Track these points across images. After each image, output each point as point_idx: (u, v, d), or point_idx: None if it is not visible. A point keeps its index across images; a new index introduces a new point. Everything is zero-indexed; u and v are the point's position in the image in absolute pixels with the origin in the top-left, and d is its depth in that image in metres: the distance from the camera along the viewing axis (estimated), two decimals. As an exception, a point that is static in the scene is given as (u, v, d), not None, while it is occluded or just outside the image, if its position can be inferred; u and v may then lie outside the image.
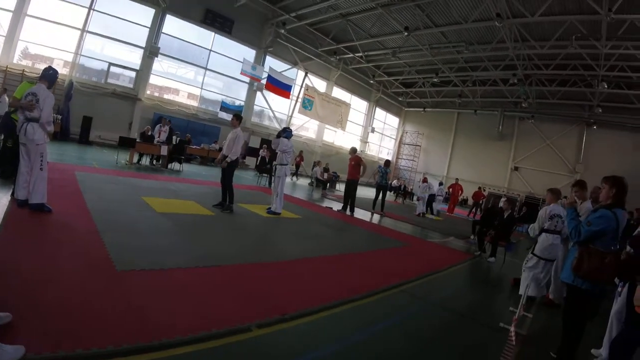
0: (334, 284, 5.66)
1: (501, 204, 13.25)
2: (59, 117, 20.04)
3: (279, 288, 5.06)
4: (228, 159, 9.61)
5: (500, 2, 19.10)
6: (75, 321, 3.22)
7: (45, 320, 3.11)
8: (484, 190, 28.16)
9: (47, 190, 6.41)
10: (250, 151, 27.05)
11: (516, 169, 35.29)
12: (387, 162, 17.92)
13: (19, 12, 19.91)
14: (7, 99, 13.08)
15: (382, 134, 44.52)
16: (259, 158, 23.61)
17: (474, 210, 24.91)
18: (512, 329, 5.03)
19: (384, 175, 16.68)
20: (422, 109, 41.81)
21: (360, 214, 14.73)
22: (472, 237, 13.16)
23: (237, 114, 10.16)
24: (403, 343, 4.19)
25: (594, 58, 22.21)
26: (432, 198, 20.33)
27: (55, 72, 6.90)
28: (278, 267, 5.97)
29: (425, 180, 20.70)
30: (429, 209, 20.32)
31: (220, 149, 20.73)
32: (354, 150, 15.35)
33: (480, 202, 25.55)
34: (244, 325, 3.75)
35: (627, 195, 4.23)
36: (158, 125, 18.28)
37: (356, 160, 14.56)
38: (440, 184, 23.09)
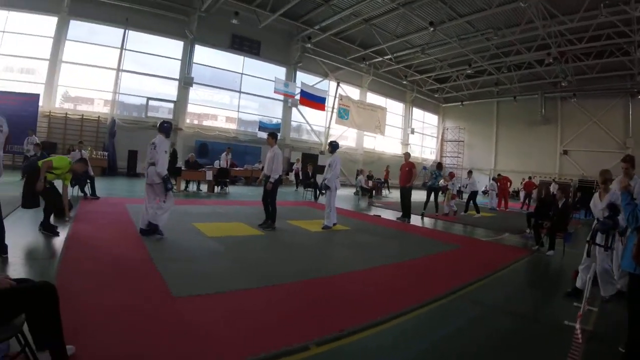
0: (390, 294, 5.56)
1: (554, 192, 12.76)
2: (105, 153, 20.90)
3: (335, 303, 5.02)
4: (271, 179, 9.63)
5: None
6: (135, 348, 3.33)
7: (106, 349, 3.24)
8: (534, 179, 27.32)
9: (101, 221, 6.64)
10: (291, 167, 27.29)
11: (565, 152, 33.96)
12: (440, 165, 17.71)
13: (55, 59, 21.21)
14: (84, 152, 13.63)
15: (422, 133, 43.89)
16: (300, 173, 23.84)
17: (526, 201, 24.21)
18: (577, 325, 4.75)
19: (437, 178, 16.47)
20: (459, 103, 40.92)
21: (411, 219, 14.29)
22: (527, 231, 12.50)
23: (272, 133, 10.23)
24: (466, 351, 4.05)
25: (627, 24, 21.21)
26: (473, 195, 18.98)
27: (170, 124, 8.23)
28: (332, 281, 5.93)
29: (452, 176, 19.60)
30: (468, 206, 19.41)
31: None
32: (408, 155, 14.95)
33: (532, 192, 24.74)
34: (303, 343, 3.73)
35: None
36: (224, 154, 19.97)
37: (410, 165, 14.19)
38: (494, 179, 22.51)
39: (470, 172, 20.22)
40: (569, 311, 5.43)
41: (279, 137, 11.73)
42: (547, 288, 7.19)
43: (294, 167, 24.43)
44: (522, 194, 26.44)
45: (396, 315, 4.72)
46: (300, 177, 23.82)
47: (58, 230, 7.23)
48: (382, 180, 27.03)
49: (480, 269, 7.53)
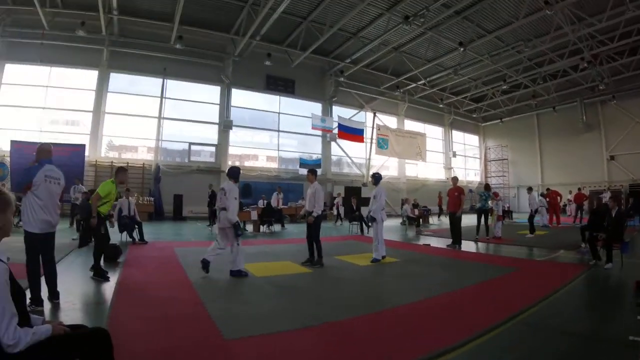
0: (448, 325, 5.31)
1: (606, 202, 12.18)
2: (151, 198, 21.51)
3: (391, 338, 4.82)
4: (314, 214, 9.57)
5: (544, -12, 18.66)
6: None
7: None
8: (584, 190, 26.38)
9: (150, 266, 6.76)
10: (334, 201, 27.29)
11: (612, 158, 32.76)
12: (487, 186, 17.25)
13: (98, 111, 22.50)
14: (130, 199, 13.90)
15: (464, 155, 43.29)
16: (339, 207, 23.75)
17: (578, 214, 23.37)
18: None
19: (486, 199, 16.08)
20: (499, 121, 40.42)
21: (463, 245, 13.69)
22: (583, 245, 11.79)
23: (312, 169, 10.27)
24: None
25: None
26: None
27: (238, 168, 8.75)
28: (385, 315, 5.72)
29: (497, 196, 18.00)
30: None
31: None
32: (456, 179, 14.48)
33: (583, 204, 23.78)
34: None
35: None
36: (275, 193, 20.41)
37: (459, 190, 13.78)
38: (542, 194, 21.78)
39: (530, 189, 19.34)
40: (633, 325, 5.12)
41: (319, 173, 11.79)
42: (608, 303, 6.81)
43: (335, 201, 24.36)
44: (572, 207, 25.54)
45: (455, 346, 4.49)
46: (339, 211, 23.78)
47: (108, 275, 7.40)
48: (429, 208, 26.54)
49: (539, 290, 7.16)
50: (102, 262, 7.58)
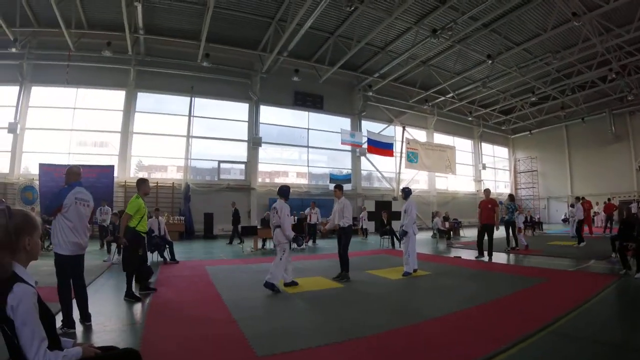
0: (480, 336, 5.25)
1: (634, 211, 11.92)
2: (182, 218, 21.56)
3: (424, 351, 4.76)
4: (342, 224, 9.61)
5: (571, 0, 18.46)
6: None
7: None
8: (613, 200, 25.77)
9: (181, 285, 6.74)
10: (370, 216, 27.09)
11: None
12: (512, 197, 17.01)
13: (126, 131, 22.71)
14: (161, 218, 13.84)
15: (494, 168, 42.78)
16: (362, 221, 23.63)
17: (608, 225, 22.82)
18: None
19: (513, 211, 15.82)
20: (528, 133, 39.94)
21: (495, 257, 13.65)
22: (613, 255, 11.84)
23: (338, 185, 10.33)
24: None
25: None
26: (580, 224, 17.32)
27: (288, 188, 8.95)
28: (419, 328, 5.66)
29: (512, 199, 16.97)
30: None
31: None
32: (488, 191, 14.53)
33: (613, 214, 23.32)
34: None
35: None
36: (308, 209, 19.96)
37: (493, 202, 13.69)
38: (572, 205, 21.19)
39: (577, 198, 18.94)
40: None
41: (350, 188, 11.84)
42: (639, 313, 6.75)
43: (360, 215, 24.18)
44: (602, 217, 25.17)
45: (487, 357, 4.41)
46: (363, 226, 23.78)
47: (139, 295, 7.47)
48: (459, 220, 26.19)
49: (570, 300, 7.05)
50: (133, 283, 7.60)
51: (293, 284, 8.57)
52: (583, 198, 21.66)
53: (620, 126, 33.20)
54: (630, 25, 20.24)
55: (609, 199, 24.87)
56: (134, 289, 7.47)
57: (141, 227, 7.69)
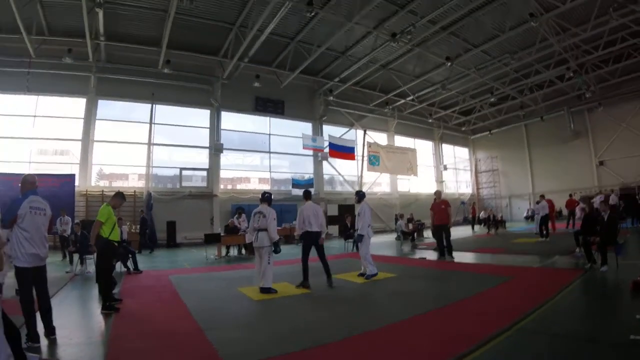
0: (449, 337, 5.28)
1: (597, 206, 12.26)
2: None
3: (391, 355, 4.76)
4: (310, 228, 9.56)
5: (528, 0, 19.05)
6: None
7: None
8: (575, 195, 26.43)
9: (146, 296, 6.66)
10: (333, 220, 27.16)
11: (601, 163, 33.03)
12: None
13: (87, 139, 22.24)
14: (124, 227, 13.58)
15: (455, 168, 43.52)
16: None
17: (570, 220, 23.43)
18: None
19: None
20: (488, 133, 40.72)
21: (459, 256, 13.80)
22: (577, 250, 11.92)
23: (305, 192, 10.60)
24: None
25: (639, 23, 21.13)
26: (544, 219, 18.55)
27: (270, 194, 9.43)
28: (384, 333, 5.64)
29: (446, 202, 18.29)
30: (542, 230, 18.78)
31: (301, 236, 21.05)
32: (439, 193, 14.75)
33: (575, 210, 23.82)
34: None
35: None
36: (235, 217, 18.53)
37: (445, 203, 13.97)
38: (537, 202, 21.63)
39: (542, 196, 19.63)
40: (633, 325, 5.20)
41: (312, 192, 11.98)
42: (607, 305, 6.91)
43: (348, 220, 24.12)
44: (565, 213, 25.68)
45: (460, 357, 4.45)
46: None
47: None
48: (422, 221, 26.50)
49: (537, 296, 7.19)
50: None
51: (269, 290, 8.57)
52: (542, 196, 22.24)
53: (579, 123, 34.09)
54: (586, 24, 20.90)
55: (570, 195, 25.37)
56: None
57: (113, 236, 7.57)
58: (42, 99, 21.79)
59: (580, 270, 9.68)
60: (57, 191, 18.81)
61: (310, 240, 9.58)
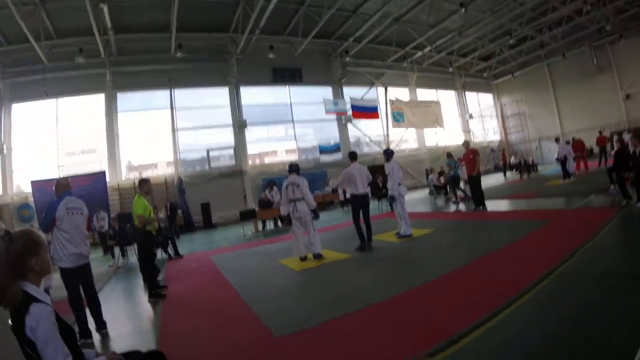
0: (491, 287, 5.25)
1: (627, 141, 11.85)
2: (179, 211, 21.28)
3: (436, 310, 4.77)
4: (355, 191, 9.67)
5: None
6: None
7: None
8: (604, 132, 25.66)
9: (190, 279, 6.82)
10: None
11: (628, 96, 31.67)
12: (449, 154, 17.45)
13: (112, 134, 22.63)
14: (161, 217, 13.88)
15: (481, 116, 42.39)
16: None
17: (603, 157, 22.83)
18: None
19: (455, 166, 16.12)
20: (510, 76, 39.61)
21: (492, 205, 13.70)
22: (612, 187, 11.67)
23: (351, 152, 10.67)
24: (584, 325, 3.70)
25: None
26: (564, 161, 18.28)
27: (297, 165, 9.42)
28: (427, 289, 5.65)
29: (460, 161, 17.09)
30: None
31: (334, 190, 20.82)
32: (467, 143, 14.66)
33: (606, 146, 23.18)
34: (415, 357, 3.53)
35: None
36: (266, 190, 18.57)
37: (473, 153, 13.74)
38: (567, 142, 21.13)
39: (557, 139, 19.50)
40: None
41: (340, 157, 11.93)
42: None
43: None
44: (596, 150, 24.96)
45: (502, 308, 4.39)
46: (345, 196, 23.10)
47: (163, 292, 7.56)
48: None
49: (575, 239, 6.98)
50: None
51: (320, 256, 8.83)
52: (573, 138, 21.75)
53: (602, 58, 32.76)
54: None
55: (600, 132, 24.77)
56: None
57: (152, 227, 7.72)
58: (62, 101, 22.05)
59: (617, 207, 9.47)
60: (90, 189, 19.11)
61: (358, 203, 9.64)
